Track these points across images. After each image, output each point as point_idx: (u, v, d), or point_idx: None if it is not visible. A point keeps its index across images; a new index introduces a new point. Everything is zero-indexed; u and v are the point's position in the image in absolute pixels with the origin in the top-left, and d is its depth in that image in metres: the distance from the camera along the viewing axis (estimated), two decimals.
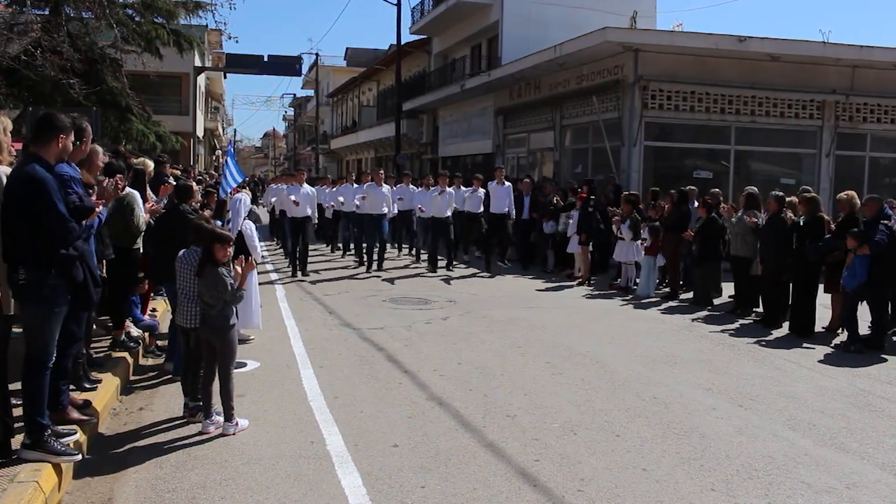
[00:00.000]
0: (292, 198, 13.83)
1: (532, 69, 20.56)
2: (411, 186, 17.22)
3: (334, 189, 18.47)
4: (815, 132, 18.47)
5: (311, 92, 63.92)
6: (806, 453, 5.41)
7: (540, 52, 19.68)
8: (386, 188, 15.24)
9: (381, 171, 15.18)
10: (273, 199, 17.75)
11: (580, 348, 8.55)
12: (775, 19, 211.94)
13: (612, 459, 5.18)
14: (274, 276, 14.09)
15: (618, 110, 17.56)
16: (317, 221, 14.74)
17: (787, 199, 10.39)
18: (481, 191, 15.53)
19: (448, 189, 15.21)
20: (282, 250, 17.93)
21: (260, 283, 9.21)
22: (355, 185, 16.55)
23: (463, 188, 16.24)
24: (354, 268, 15.49)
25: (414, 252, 17.65)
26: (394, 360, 7.82)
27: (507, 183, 15.69)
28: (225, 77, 54.24)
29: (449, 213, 14.97)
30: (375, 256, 14.99)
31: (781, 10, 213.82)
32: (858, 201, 9.81)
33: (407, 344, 8.59)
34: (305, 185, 14.28)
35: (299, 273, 13.91)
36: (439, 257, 15.43)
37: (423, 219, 15.90)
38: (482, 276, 14.68)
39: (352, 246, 17.28)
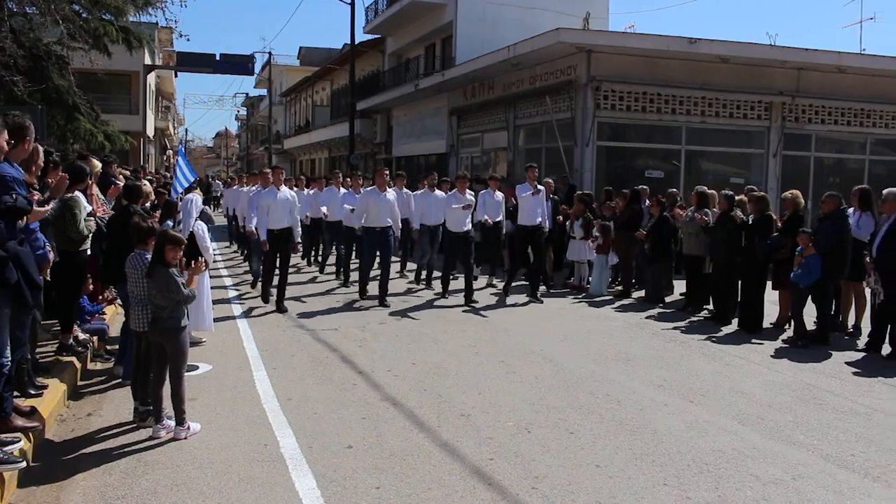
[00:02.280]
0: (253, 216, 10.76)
1: (486, 69, 20.64)
2: (405, 190, 13.63)
3: (310, 192, 15.15)
4: (763, 132, 18.86)
5: (264, 91, 63.34)
6: (754, 447, 5.51)
7: (494, 53, 19.76)
8: (391, 193, 11.63)
9: (386, 171, 12.02)
10: (234, 207, 15.96)
11: (534, 347, 8.60)
12: (725, 22, 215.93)
13: (566, 457, 5.22)
14: (227, 280, 13.91)
15: (571, 110, 17.71)
16: (300, 240, 11.27)
17: (737, 197, 10.58)
18: (499, 195, 12.88)
19: (468, 194, 12.18)
20: (246, 264, 15.11)
21: (213, 287, 9.10)
22: (343, 191, 13.85)
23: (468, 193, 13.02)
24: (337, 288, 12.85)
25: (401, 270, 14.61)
26: (348, 360, 7.78)
27: (542, 187, 12.14)
28: (176, 76, 53.40)
29: (470, 226, 11.94)
30: (352, 274, 12.62)
31: (730, 14, 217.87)
32: (802, 200, 10.04)
33: (361, 345, 8.55)
34: (284, 189, 10.87)
35: (272, 300, 10.85)
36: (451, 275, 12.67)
37: (427, 228, 12.74)
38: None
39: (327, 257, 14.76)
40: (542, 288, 12.61)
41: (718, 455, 5.31)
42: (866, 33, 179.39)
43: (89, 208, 7.11)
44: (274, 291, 10.82)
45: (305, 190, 15.32)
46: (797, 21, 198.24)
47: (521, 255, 12.07)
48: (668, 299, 12.01)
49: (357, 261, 12.68)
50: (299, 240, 11.11)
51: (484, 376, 7.28)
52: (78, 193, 6.90)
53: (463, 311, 10.71)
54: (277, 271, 10.75)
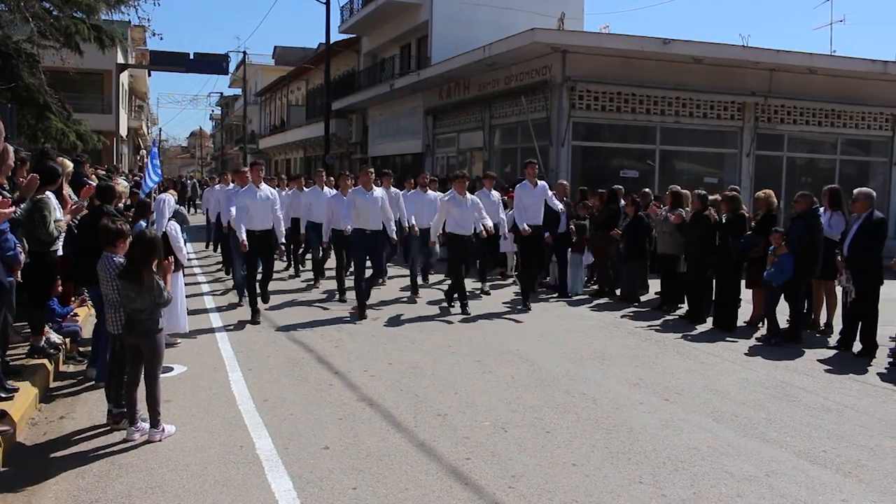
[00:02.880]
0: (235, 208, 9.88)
1: (461, 69, 20.67)
2: (393, 189, 12.76)
3: (288, 191, 14.28)
4: (736, 132, 19.07)
5: (238, 91, 63.01)
6: (729, 444, 5.56)
7: (469, 53, 19.81)
8: (379, 192, 10.69)
9: (372, 170, 11.06)
10: (212, 207, 14.68)
11: (510, 346, 8.61)
12: (698, 23, 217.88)
13: (542, 456, 5.23)
14: (203, 281, 13.80)
15: (546, 110, 17.79)
16: (283, 240, 10.59)
17: (710, 197, 10.67)
18: (495, 194, 12.26)
19: (469, 196, 10.95)
20: (222, 271, 14.42)
21: (190, 293, 9.04)
22: (329, 190, 13.02)
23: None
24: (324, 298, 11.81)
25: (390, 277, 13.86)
26: (324, 361, 7.74)
27: (542, 182, 11.59)
28: (149, 75, 52.95)
29: (471, 230, 10.85)
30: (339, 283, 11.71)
31: (704, 15, 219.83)
32: (775, 199, 10.15)
33: (337, 345, 8.52)
34: (264, 186, 10.14)
35: (251, 305, 9.92)
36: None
37: (419, 231, 12.14)
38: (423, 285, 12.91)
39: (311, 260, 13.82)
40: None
41: (693, 452, 5.34)
42: (836, 35, 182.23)
43: (59, 211, 7.00)
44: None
45: (284, 190, 14.46)
46: (769, 23, 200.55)
47: (530, 259, 11.55)
48: (643, 298, 12.09)
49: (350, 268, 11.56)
50: (283, 240, 10.51)
51: (460, 376, 7.28)
52: (48, 194, 6.81)
53: (443, 316, 10.69)
54: (259, 275, 10.10)
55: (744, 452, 5.39)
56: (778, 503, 4.55)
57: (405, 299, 11.82)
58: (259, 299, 10.02)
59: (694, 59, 17.65)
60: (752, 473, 4.99)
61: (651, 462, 5.15)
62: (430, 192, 12.40)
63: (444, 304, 10.97)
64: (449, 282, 11.28)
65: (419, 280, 12.59)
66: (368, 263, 10.50)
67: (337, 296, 11.72)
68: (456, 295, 10.75)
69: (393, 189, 12.80)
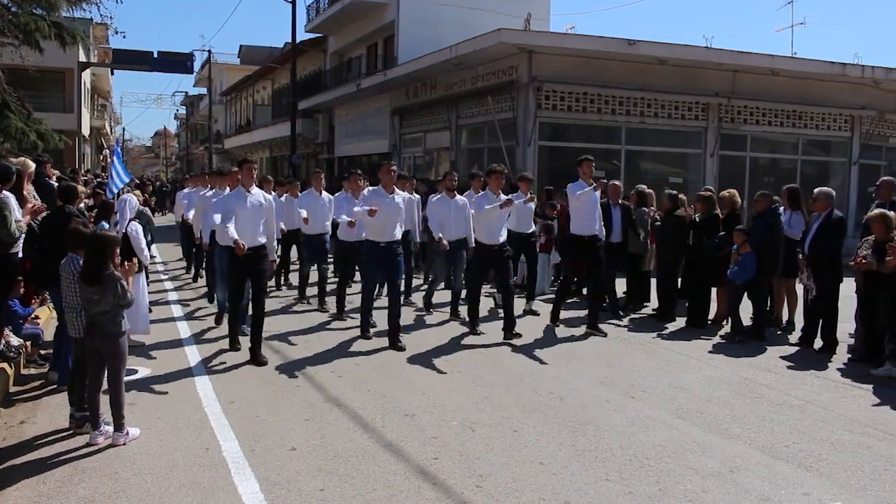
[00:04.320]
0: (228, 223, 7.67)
1: (428, 69, 20.65)
2: (413, 195, 11.26)
3: (281, 198, 11.72)
4: (700, 133, 19.26)
5: (203, 90, 62.34)
6: (694, 440, 5.62)
7: (436, 53, 19.78)
8: (401, 196, 8.88)
9: (395, 166, 9.01)
10: (189, 214, 11.96)
11: (477, 346, 8.63)
12: (662, 24, 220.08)
13: (510, 455, 5.25)
14: (168, 285, 13.61)
15: (512, 110, 17.84)
16: (277, 257, 9.57)
17: (680, 196, 10.77)
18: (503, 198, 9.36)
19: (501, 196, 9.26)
20: (192, 281, 13.24)
21: (154, 292, 8.92)
22: (326, 195, 11.32)
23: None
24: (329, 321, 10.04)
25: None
26: (290, 362, 7.69)
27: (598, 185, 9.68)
28: (112, 73, 52.18)
29: (500, 238, 9.21)
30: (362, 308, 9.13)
31: (668, 16, 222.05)
32: (739, 199, 10.29)
33: (304, 346, 8.46)
34: (256, 191, 8.01)
35: (244, 343, 8.06)
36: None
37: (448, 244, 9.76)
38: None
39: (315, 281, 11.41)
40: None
41: (659, 450, 5.40)
42: (797, 37, 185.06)
43: (18, 211, 6.86)
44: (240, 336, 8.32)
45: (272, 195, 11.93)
46: (732, 24, 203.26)
47: (574, 274, 10.16)
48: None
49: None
50: (275, 257, 8.81)
51: (428, 376, 7.28)
52: (6, 194, 6.68)
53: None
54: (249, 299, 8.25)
55: (708, 449, 5.45)
56: (742, 498, 4.61)
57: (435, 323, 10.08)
58: (252, 335, 7.84)
59: (658, 59, 17.80)
60: (717, 469, 5.05)
61: (617, 459, 5.19)
62: (458, 196, 10.19)
63: (511, 340, 8.97)
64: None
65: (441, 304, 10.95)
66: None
67: (332, 310, 10.41)
68: (468, 314, 9.38)
69: (413, 195, 11.31)
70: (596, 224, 9.46)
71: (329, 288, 11.09)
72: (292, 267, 13.11)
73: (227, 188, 9.27)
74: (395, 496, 4.54)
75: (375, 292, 9.22)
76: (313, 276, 11.53)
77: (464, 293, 10.09)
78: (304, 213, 10.79)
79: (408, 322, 9.85)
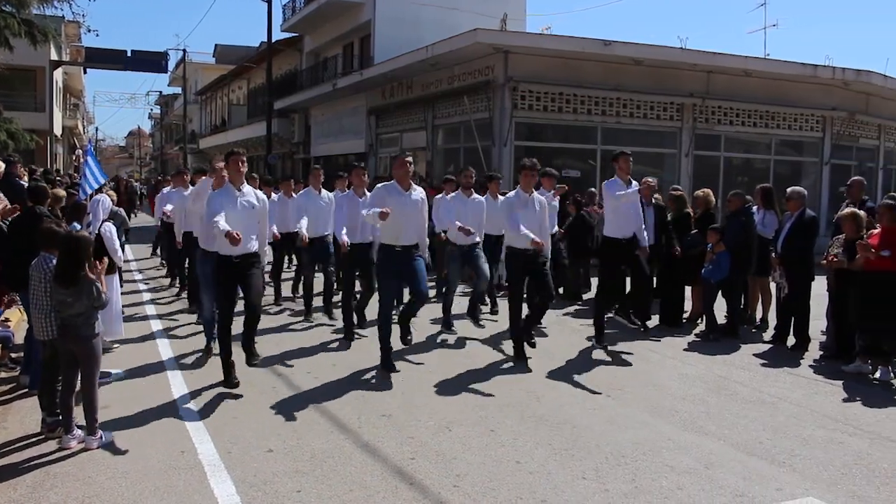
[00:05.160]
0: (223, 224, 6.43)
1: (404, 69, 20.64)
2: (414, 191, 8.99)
3: (274, 196, 11.21)
4: (675, 133, 19.42)
5: (178, 89, 61.80)
6: (669, 438, 5.67)
7: (412, 53, 19.78)
8: (419, 194, 7.54)
9: (410, 158, 7.62)
10: (169, 209, 11.25)
11: (453, 346, 8.63)
12: (638, 25, 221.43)
13: (487, 454, 5.26)
14: (141, 284, 13.48)
15: (489, 110, 17.87)
16: (269, 263, 8.65)
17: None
18: (541, 198, 8.45)
19: (535, 194, 8.30)
20: (171, 286, 12.50)
21: (128, 294, 8.83)
22: (326, 193, 10.28)
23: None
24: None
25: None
26: (266, 363, 7.64)
27: (636, 182, 8.96)
28: (85, 72, 51.61)
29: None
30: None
31: (643, 17, 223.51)
32: (713, 198, 10.38)
33: (280, 347, 8.42)
34: (248, 189, 6.93)
35: (223, 356, 6.87)
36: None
37: (459, 249, 9.24)
38: None
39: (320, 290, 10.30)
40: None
41: (635, 447, 5.43)
42: (770, 39, 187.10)
43: None
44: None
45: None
46: (706, 26, 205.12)
47: (615, 282, 9.03)
48: (585, 296, 12.23)
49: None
50: (267, 263, 7.82)
51: (404, 376, 7.26)
52: None
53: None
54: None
55: (684, 446, 5.50)
56: (716, 494, 4.66)
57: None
58: (245, 336, 6.95)
59: (634, 60, 17.92)
60: (692, 466, 5.10)
61: (594, 458, 5.22)
62: (475, 195, 9.55)
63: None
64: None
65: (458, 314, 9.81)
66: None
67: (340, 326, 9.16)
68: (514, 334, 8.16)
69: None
70: (634, 226, 8.66)
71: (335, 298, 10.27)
72: (284, 275, 11.96)
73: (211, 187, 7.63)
74: (372, 497, 4.53)
75: (394, 307, 7.86)
76: (316, 284, 10.40)
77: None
78: (304, 231, 9.61)
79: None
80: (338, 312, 9.57)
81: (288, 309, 10.85)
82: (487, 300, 10.41)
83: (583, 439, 5.59)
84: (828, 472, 5.09)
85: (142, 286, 12.99)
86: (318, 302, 10.32)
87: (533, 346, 8.08)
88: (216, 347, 7.25)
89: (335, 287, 10.43)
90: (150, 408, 6.17)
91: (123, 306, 9.19)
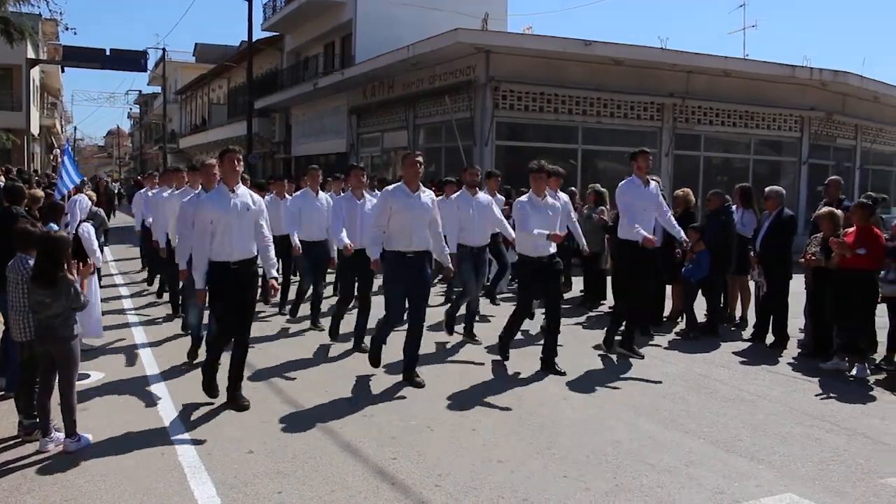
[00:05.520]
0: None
1: (385, 69, 20.62)
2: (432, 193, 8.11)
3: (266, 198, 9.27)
4: (656, 133, 19.53)
5: (157, 89, 61.39)
6: (650, 436, 5.70)
7: (393, 52, 19.76)
8: (428, 194, 7.13)
9: (420, 158, 7.17)
10: (147, 218, 10.92)
11: (435, 346, 8.63)
12: (618, 25, 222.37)
13: (468, 453, 5.26)
14: (121, 284, 13.36)
15: (470, 110, 17.89)
16: (275, 275, 6.62)
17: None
18: (556, 202, 7.88)
19: (558, 196, 8.25)
20: (152, 295, 11.71)
21: (107, 296, 8.75)
22: (324, 195, 9.70)
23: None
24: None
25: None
26: (246, 364, 7.59)
27: (655, 180, 8.66)
28: (63, 71, 51.13)
29: (550, 249, 7.55)
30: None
31: (624, 17, 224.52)
32: (693, 197, 10.45)
33: (260, 349, 8.38)
34: (243, 190, 6.30)
35: (206, 373, 6.38)
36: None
37: (469, 251, 8.81)
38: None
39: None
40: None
41: (616, 446, 5.46)
42: (750, 40, 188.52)
43: None
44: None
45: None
46: (686, 26, 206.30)
47: (637, 288, 8.32)
48: (566, 296, 12.26)
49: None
50: (277, 275, 6.57)
51: (385, 376, 7.25)
52: None
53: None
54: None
55: (664, 444, 5.53)
56: (697, 492, 4.69)
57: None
58: (232, 371, 6.29)
59: (614, 60, 18.00)
60: (672, 464, 5.13)
61: (575, 456, 5.24)
62: (481, 193, 9.09)
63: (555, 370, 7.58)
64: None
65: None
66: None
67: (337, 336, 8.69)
68: (501, 341, 7.91)
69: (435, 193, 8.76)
70: (652, 227, 8.19)
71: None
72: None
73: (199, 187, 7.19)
74: (354, 497, 4.52)
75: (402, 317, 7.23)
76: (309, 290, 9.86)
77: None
78: (296, 241, 9.33)
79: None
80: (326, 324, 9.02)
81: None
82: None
83: (564, 438, 5.61)
84: (806, 468, 5.14)
85: (122, 287, 12.89)
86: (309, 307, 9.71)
87: (562, 373, 7.43)
88: (201, 354, 6.91)
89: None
90: (129, 410, 6.13)
91: (103, 308, 9.12)
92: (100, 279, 9.48)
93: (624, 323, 8.43)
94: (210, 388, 6.32)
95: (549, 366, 7.56)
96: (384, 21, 25.11)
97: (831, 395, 6.98)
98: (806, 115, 21.23)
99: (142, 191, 13.46)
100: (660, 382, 7.26)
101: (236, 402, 6.18)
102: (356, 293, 8.36)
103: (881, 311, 7.99)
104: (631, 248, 8.07)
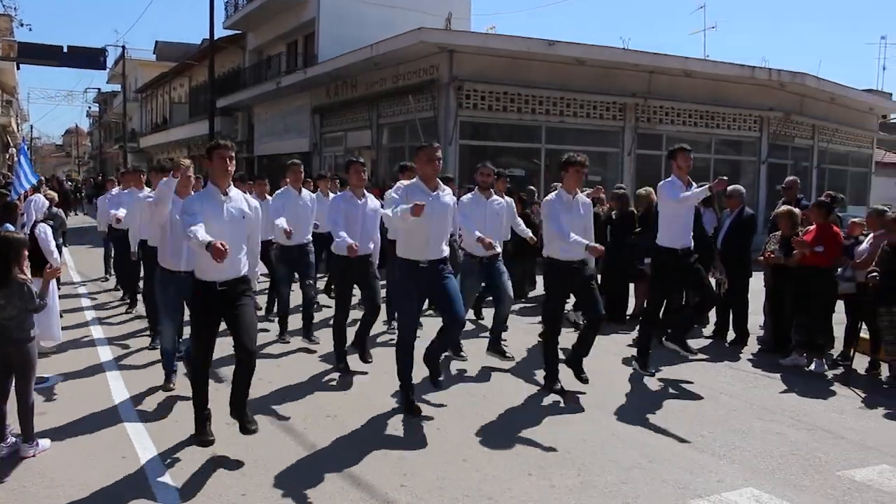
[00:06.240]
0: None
1: (348, 68, 20.54)
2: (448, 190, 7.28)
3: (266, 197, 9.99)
4: (618, 132, 19.70)
5: (117, 87, 60.33)
6: (614, 433, 5.75)
7: (356, 51, 19.69)
8: (448, 194, 6.23)
9: (440, 153, 6.14)
10: (122, 214, 9.98)
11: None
12: (581, 26, 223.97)
13: (434, 452, 5.26)
14: (78, 283, 13.15)
15: (433, 109, 17.89)
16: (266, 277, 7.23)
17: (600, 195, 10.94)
18: (587, 199, 7.28)
19: (580, 195, 7.08)
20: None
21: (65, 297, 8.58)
22: (307, 193, 8.86)
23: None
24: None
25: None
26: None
27: (696, 184, 7.55)
28: (18, 68, 50.09)
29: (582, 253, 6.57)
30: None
31: (587, 18, 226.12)
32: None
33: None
34: (235, 193, 5.32)
35: (198, 411, 5.47)
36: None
37: (479, 259, 7.71)
38: None
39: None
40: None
41: (580, 443, 5.49)
42: (710, 41, 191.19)
43: None
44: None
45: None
46: (648, 27, 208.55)
47: (669, 299, 7.81)
48: (530, 294, 12.32)
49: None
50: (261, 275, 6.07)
51: (350, 376, 7.22)
52: None
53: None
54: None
55: (628, 441, 5.58)
56: (660, 487, 4.74)
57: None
58: (234, 394, 5.34)
59: (577, 60, 18.12)
60: (637, 461, 5.18)
61: (540, 454, 5.26)
62: (495, 196, 8.17)
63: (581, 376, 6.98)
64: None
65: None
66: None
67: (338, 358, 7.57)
68: (545, 369, 6.97)
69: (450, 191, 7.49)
70: (691, 233, 7.43)
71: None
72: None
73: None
74: (319, 498, 4.50)
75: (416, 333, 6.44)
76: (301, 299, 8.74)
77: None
78: (283, 224, 8.12)
79: (324, 319, 8.78)
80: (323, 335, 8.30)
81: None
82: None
83: (528, 436, 5.63)
84: (766, 462, 5.22)
85: (81, 288, 12.68)
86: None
87: (584, 380, 6.85)
88: (174, 382, 6.55)
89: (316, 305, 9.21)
90: (89, 413, 6.02)
91: (62, 309, 8.95)
92: (58, 281, 9.31)
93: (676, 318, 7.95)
94: (202, 436, 5.31)
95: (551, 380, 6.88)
96: (347, 20, 24.98)
97: (791, 390, 7.10)
98: (765, 116, 21.57)
99: (106, 194, 12.76)
100: (624, 379, 7.33)
101: (243, 424, 5.25)
102: (364, 302, 7.58)
103: (838, 307, 8.16)
104: (666, 258, 7.32)
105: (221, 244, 4.67)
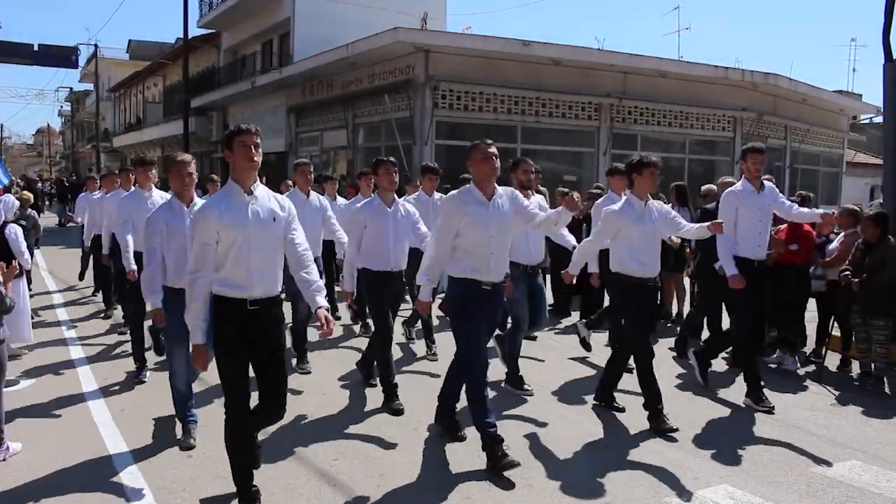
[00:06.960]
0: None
1: (324, 67, 20.50)
2: (436, 194, 8.59)
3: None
4: (594, 132, 19.81)
5: (90, 86, 59.70)
6: (590, 433, 5.77)
7: (332, 51, 19.65)
8: (506, 199, 5.32)
9: (494, 149, 5.62)
10: (90, 219, 9.94)
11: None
12: (557, 26, 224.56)
13: (411, 454, 5.25)
14: (51, 284, 12.99)
15: (409, 109, 17.88)
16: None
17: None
18: (663, 207, 6.24)
19: (653, 202, 6.07)
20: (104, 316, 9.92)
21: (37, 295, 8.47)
22: (316, 196, 7.81)
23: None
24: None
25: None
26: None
27: (770, 184, 6.87)
28: None
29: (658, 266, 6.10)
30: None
31: (562, 18, 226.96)
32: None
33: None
34: (263, 192, 4.25)
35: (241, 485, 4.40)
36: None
37: (521, 271, 6.63)
38: None
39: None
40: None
41: (557, 443, 5.51)
42: (684, 42, 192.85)
43: None
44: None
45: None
46: (623, 28, 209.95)
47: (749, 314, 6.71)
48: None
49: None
50: (324, 303, 4.29)
51: (327, 377, 7.20)
52: None
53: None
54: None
55: (604, 439, 5.61)
56: (637, 485, 4.77)
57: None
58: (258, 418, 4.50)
59: (553, 60, 18.20)
60: (614, 459, 5.20)
61: (517, 454, 5.24)
62: (536, 196, 6.89)
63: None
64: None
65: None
66: None
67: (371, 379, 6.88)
68: (651, 404, 5.95)
69: (437, 194, 8.20)
70: (765, 242, 6.74)
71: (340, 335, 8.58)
72: None
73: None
74: (295, 499, 4.47)
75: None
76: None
77: None
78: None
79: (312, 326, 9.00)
80: (319, 360, 7.83)
81: None
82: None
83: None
84: (741, 460, 5.27)
85: (52, 288, 12.52)
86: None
87: (621, 409, 6.32)
88: (195, 434, 5.39)
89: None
90: (61, 415, 5.96)
91: (32, 310, 8.84)
92: (29, 282, 9.19)
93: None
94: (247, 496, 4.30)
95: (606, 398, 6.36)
96: (322, 19, 24.89)
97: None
98: (738, 116, 21.80)
99: (87, 194, 11.98)
100: (599, 378, 7.36)
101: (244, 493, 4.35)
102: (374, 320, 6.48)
103: (810, 305, 8.24)
104: (747, 269, 6.51)
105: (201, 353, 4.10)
